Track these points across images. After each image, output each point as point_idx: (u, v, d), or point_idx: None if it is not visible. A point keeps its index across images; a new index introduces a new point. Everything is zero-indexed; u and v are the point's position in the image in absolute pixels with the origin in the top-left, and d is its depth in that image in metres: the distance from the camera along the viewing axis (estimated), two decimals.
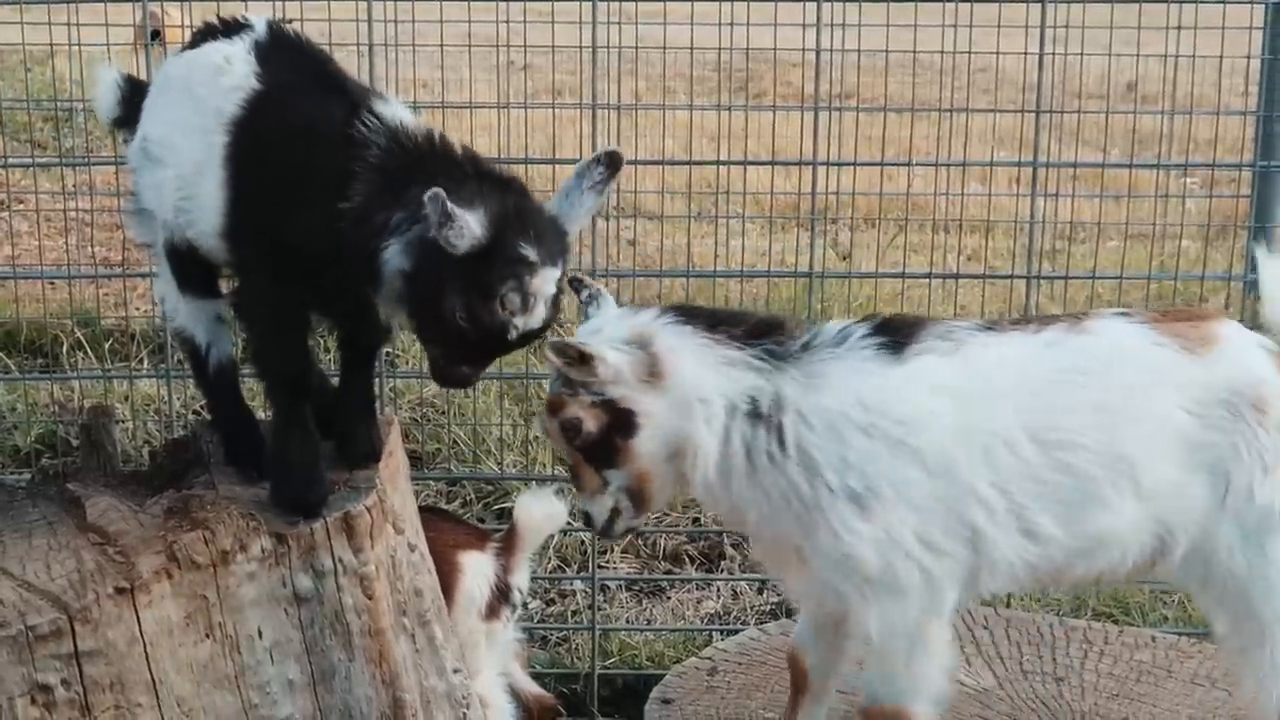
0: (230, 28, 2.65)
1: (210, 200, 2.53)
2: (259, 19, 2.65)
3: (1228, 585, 2.60)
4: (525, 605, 3.56)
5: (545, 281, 2.37)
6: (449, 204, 2.25)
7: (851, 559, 2.47)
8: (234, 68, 2.54)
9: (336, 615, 2.62)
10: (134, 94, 2.79)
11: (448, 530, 3.15)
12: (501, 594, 3.26)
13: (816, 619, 2.74)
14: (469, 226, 2.28)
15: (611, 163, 2.47)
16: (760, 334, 2.54)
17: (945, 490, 2.46)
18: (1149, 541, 2.57)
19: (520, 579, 3.31)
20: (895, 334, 2.54)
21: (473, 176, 2.40)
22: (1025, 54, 3.75)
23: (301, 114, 2.49)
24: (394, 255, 2.38)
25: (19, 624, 2.31)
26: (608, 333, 2.52)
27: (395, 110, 2.48)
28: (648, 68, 6.02)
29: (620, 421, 2.48)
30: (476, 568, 3.22)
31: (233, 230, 2.53)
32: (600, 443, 2.50)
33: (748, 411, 2.49)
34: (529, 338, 2.43)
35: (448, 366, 2.47)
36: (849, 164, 3.96)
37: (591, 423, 2.48)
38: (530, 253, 2.34)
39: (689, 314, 2.55)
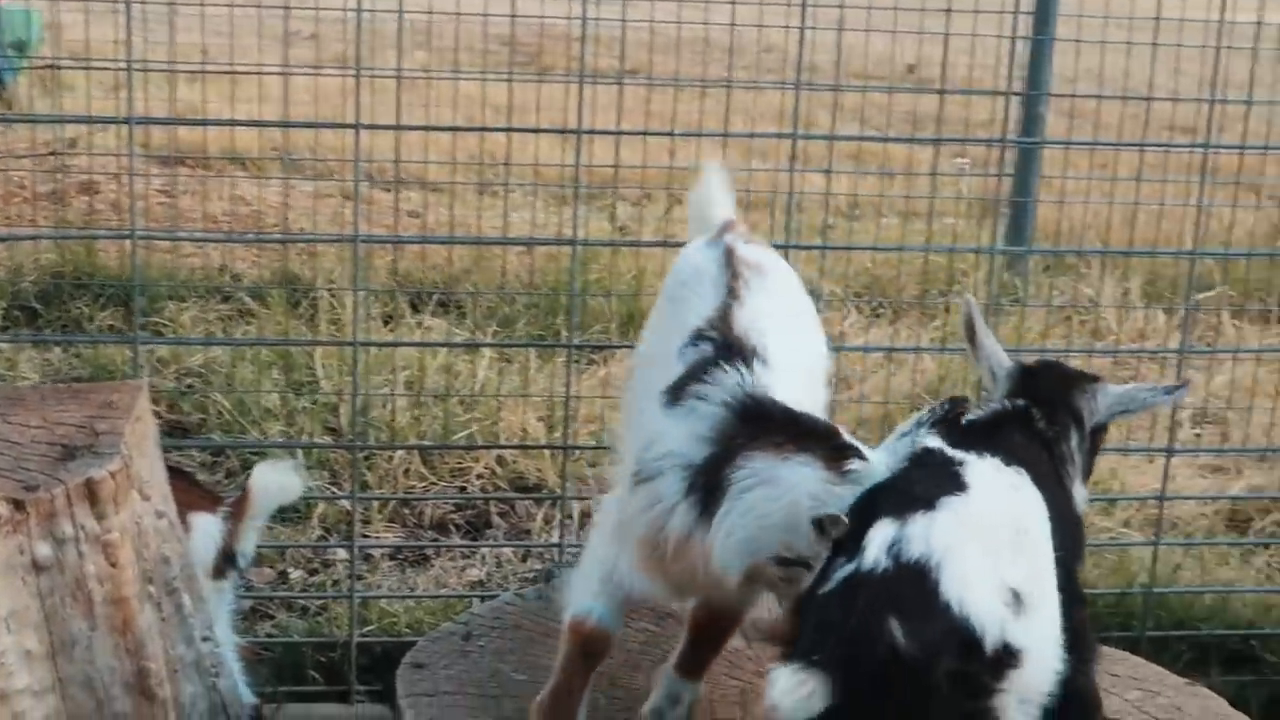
0: None
1: None
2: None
3: None
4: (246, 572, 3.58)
5: None
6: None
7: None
8: None
9: (78, 583, 2.55)
10: None
11: (181, 490, 3.13)
12: (227, 558, 3.26)
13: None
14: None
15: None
16: None
17: None
18: None
19: (247, 545, 3.32)
20: None
21: None
22: (787, 28, 3.81)
23: None
24: None
25: None
26: None
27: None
28: (432, 39, 6.04)
29: None
30: (204, 528, 3.22)
31: None
32: None
33: None
34: None
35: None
36: (624, 133, 3.97)
37: None
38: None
39: None
